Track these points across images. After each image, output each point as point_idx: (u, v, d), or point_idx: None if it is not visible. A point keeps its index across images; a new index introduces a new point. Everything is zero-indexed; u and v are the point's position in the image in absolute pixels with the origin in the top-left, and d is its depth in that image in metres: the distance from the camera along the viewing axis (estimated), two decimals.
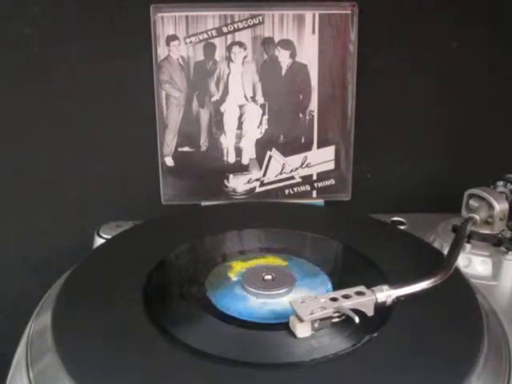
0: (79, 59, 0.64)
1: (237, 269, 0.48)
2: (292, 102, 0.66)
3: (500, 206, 0.52)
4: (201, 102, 0.65)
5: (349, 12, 0.63)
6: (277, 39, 0.64)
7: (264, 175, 0.67)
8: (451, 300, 0.43)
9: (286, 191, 0.68)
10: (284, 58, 0.64)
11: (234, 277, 0.47)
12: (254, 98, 0.65)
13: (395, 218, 0.63)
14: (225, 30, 0.63)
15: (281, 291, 0.44)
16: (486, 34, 0.67)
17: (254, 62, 0.64)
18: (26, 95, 0.64)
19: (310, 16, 0.63)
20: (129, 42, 0.64)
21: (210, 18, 0.62)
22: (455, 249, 0.47)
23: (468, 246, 0.53)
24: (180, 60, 0.64)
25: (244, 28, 0.63)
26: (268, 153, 0.67)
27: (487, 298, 0.47)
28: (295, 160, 0.67)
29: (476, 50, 0.67)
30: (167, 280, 0.48)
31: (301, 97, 0.66)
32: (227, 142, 0.66)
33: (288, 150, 0.67)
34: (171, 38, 0.63)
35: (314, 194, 0.68)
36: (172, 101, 0.65)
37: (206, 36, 0.63)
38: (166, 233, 0.54)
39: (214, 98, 0.65)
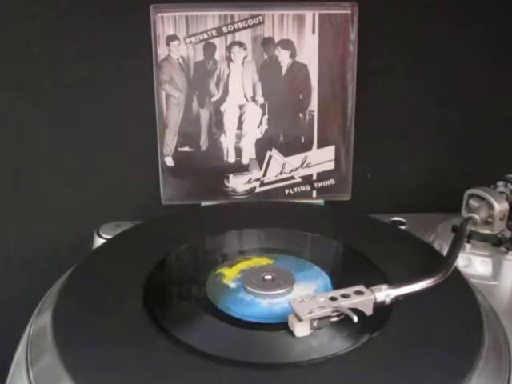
0: (79, 59, 0.64)
1: (230, 275, 0.47)
2: (292, 102, 0.66)
3: (500, 206, 0.52)
4: (201, 102, 0.65)
5: (349, 12, 0.63)
6: (277, 39, 0.64)
7: (264, 175, 0.67)
8: (451, 300, 0.43)
9: (286, 191, 0.68)
10: (284, 58, 0.64)
11: (231, 283, 0.46)
12: (254, 98, 0.65)
13: (395, 218, 0.63)
14: (225, 30, 0.63)
15: (281, 291, 0.44)
16: (486, 33, 0.67)
17: (253, 62, 0.64)
18: (25, 95, 0.64)
19: (310, 16, 0.63)
20: (129, 41, 0.64)
21: (210, 18, 0.62)
22: (455, 248, 0.47)
23: (468, 246, 0.53)
24: (180, 60, 0.64)
25: (244, 28, 0.63)
26: (268, 153, 0.67)
27: (487, 298, 0.47)
28: (295, 160, 0.67)
29: (476, 50, 0.67)
30: (167, 280, 0.48)
31: (301, 97, 0.66)
32: (227, 142, 0.66)
33: (288, 150, 0.67)
34: (171, 38, 0.63)
35: (314, 193, 0.68)
36: (172, 101, 0.65)
37: (205, 36, 0.63)
38: (165, 233, 0.54)
39: (214, 98, 0.65)
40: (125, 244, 0.52)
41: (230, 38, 0.63)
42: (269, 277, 0.45)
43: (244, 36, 0.63)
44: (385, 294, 0.40)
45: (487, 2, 0.66)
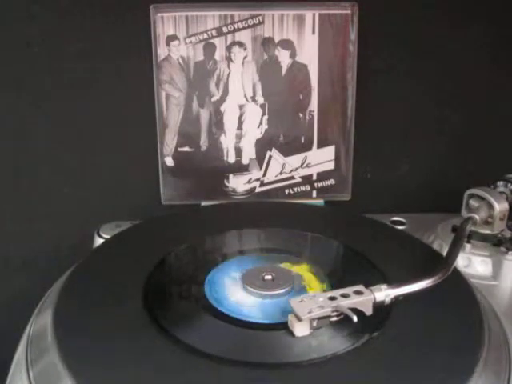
0: (79, 59, 0.64)
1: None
2: (292, 102, 0.66)
3: (500, 206, 0.52)
4: (201, 102, 0.65)
5: (349, 12, 0.63)
6: (277, 39, 0.64)
7: (264, 175, 0.67)
8: (451, 300, 0.43)
9: (286, 191, 0.68)
10: (284, 58, 0.64)
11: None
12: (254, 98, 0.65)
13: (395, 218, 0.63)
14: (225, 30, 0.63)
15: (280, 291, 0.44)
16: (486, 33, 0.67)
17: (253, 62, 0.64)
18: (25, 95, 0.64)
19: (310, 16, 0.63)
20: (129, 41, 0.64)
21: (210, 18, 0.62)
22: (454, 248, 0.47)
23: (468, 246, 0.53)
24: (180, 60, 0.64)
25: (244, 28, 0.63)
26: (268, 153, 0.67)
27: (487, 297, 0.47)
28: (295, 160, 0.67)
29: (476, 50, 0.67)
30: (167, 280, 0.48)
31: (301, 97, 0.66)
32: (227, 142, 0.66)
33: (288, 150, 0.67)
34: (171, 38, 0.63)
35: (314, 193, 0.68)
36: (172, 101, 0.65)
37: (205, 36, 0.63)
38: (165, 233, 0.54)
39: (214, 98, 0.65)
40: (125, 244, 0.52)
41: (230, 37, 0.63)
42: (269, 277, 0.45)
43: (244, 36, 0.63)
44: (384, 293, 0.40)
45: (487, 2, 0.66)
